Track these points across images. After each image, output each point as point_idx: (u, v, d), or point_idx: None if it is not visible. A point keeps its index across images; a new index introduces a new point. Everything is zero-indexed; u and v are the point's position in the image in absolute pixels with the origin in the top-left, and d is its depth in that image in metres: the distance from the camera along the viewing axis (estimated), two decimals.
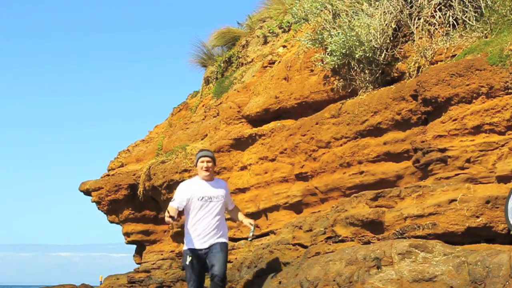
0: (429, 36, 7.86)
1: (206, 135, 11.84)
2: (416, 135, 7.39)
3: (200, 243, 6.95)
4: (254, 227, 7.37)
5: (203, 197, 7.03)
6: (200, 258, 6.96)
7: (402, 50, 8.06)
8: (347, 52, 8.15)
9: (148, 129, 15.25)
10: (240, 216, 7.59)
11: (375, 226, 6.82)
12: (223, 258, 6.87)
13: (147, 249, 13.58)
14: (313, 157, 8.71)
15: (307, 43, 9.00)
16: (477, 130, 6.65)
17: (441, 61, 7.48)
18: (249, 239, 7.64)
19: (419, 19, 7.99)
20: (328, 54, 8.47)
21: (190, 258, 6.91)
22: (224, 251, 6.95)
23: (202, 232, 6.96)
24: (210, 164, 7.16)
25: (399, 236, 6.54)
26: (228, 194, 7.40)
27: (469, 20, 7.59)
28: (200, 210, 6.99)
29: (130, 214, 13.36)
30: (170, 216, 6.80)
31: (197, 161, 7.19)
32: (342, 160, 8.30)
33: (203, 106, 13.11)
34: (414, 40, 7.93)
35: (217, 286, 6.77)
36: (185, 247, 7.04)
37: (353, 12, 8.43)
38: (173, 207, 7.00)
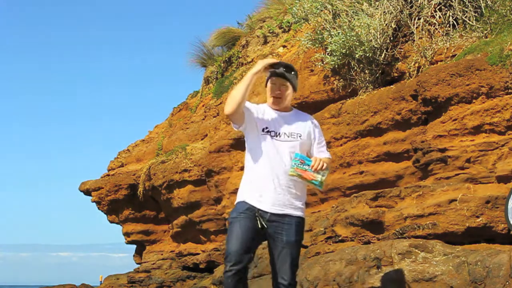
0: (429, 36, 7.86)
1: (206, 135, 11.85)
2: (416, 135, 7.39)
3: (262, 203, 4.39)
4: (324, 173, 4.45)
5: (269, 130, 4.48)
6: (255, 222, 4.34)
7: (402, 50, 8.06)
8: (347, 52, 8.15)
9: (148, 129, 15.29)
10: None
11: (375, 226, 6.82)
12: (292, 258, 4.41)
13: (147, 249, 13.60)
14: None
15: (307, 43, 9.00)
16: (477, 130, 6.65)
17: (441, 61, 7.48)
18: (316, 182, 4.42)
19: (419, 19, 7.99)
20: (328, 54, 8.47)
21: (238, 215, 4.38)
22: (297, 243, 4.44)
23: (266, 187, 4.43)
24: (284, 90, 4.52)
25: (399, 236, 6.53)
26: (316, 137, 4.61)
27: (469, 20, 7.59)
28: (266, 151, 4.48)
29: (130, 214, 13.37)
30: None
31: (268, 79, 4.56)
32: (342, 160, 8.30)
33: (203, 106, 13.12)
34: (414, 40, 7.93)
35: None
36: (238, 199, 4.54)
37: (353, 12, 8.42)
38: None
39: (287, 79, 4.49)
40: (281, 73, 4.47)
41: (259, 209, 4.36)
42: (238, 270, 4.17)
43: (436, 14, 7.85)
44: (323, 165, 4.39)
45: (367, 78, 8.18)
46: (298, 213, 4.43)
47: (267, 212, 4.36)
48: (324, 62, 8.59)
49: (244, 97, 4.38)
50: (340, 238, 7.17)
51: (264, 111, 4.55)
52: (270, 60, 4.54)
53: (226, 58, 13.16)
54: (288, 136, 4.48)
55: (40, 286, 19.55)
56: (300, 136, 4.50)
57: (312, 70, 9.10)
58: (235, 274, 4.16)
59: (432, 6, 7.89)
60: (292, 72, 4.54)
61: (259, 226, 4.31)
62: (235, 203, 4.53)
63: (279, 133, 4.48)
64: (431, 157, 6.92)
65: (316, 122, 4.71)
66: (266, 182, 4.43)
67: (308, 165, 4.37)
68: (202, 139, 11.98)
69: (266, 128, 4.49)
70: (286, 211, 4.39)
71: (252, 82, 4.44)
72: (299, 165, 4.37)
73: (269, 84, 4.54)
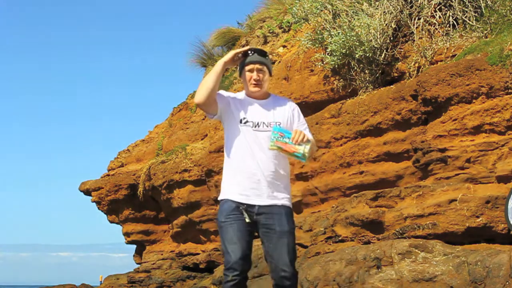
0: (429, 36, 7.86)
1: (206, 135, 11.85)
2: (416, 135, 7.39)
3: (247, 197, 4.26)
4: (306, 145, 4.21)
5: (246, 121, 4.32)
6: (244, 218, 4.24)
7: (402, 50, 8.06)
8: (347, 52, 8.15)
9: (148, 129, 15.29)
10: None
11: (375, 226, 6.82)
12: (289, 247, 4.23)
13: (147, 249, 13.59)
14: (313, 157, 8.71)
15: (307, 43, 9.00)
16: (477, 130, 6.65)
17: (441, 61, 7.48)
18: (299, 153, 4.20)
19: (419, 19, 7.99)
20: (328, 54, 8.47)
21: (229, 213, 4.26)
22: (290, 232, 4.26)
23: (249, 180, 4.29)
24: (262, 76, 4.35)
25: (399, 236, 6.54)
26: (295, 120, 4.43)
27: (469, 20, 7.59)
28: (246, 142, 4.31)
29: (130, 214, 13.37)
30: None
31: (242, 68, 4.40)
32: (342, 160, 8.30)
33: None
34: (414, 40, 7.93)
35: None
36: (222, 196, 4.42)
37: (353, 12, 8.43)
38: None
39: (264, 64, 4.35)
40: (257, 58, 4.34)
41: (245, 204, 4.22)
42: (240, 280, 4.11)
43: (436, 14, 7.85)
44: (303, 137, 4.19)
45: (367, 78, 8.19)
46: (286, 203, 4.29)
47: (254, 206, 4.22)
48: (324, 62, 8.59)
49: (215, 86, 4.29)
50: (340, 238, 7.17)
51: (241, 100, 4.40)
52: (241, 49, 4.45)
53: None
54: (267, 126, 4.30)
55: (40, 286, 19.57)
56: (279, 125, 4.32)
57: (312, 70, 9.10)
58: (237, 283, 4.10)
59: (432, 6, 7.89)
60: (266, 57, 4.42)
61: (248, 220, 4.19)
62: (219, 198, 4.38)
63: (258, 123, 4.32)
64: (431, 157, 6.92)
65: (295, 105, 4.53)
66: (249, 175, 4.27)
67: (289, 138, 4.16)
68: (202, 139, 11.98)
69: (245, 118, 4.33)
70: (273, 202, 4.25)
71: (222, 71, 4.39)
72: (279, 138, 4.14)
73: (245, 72, 4.36)
